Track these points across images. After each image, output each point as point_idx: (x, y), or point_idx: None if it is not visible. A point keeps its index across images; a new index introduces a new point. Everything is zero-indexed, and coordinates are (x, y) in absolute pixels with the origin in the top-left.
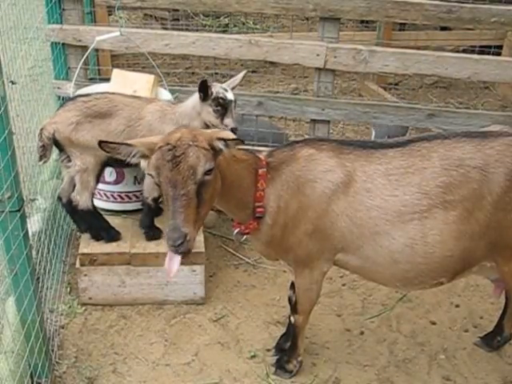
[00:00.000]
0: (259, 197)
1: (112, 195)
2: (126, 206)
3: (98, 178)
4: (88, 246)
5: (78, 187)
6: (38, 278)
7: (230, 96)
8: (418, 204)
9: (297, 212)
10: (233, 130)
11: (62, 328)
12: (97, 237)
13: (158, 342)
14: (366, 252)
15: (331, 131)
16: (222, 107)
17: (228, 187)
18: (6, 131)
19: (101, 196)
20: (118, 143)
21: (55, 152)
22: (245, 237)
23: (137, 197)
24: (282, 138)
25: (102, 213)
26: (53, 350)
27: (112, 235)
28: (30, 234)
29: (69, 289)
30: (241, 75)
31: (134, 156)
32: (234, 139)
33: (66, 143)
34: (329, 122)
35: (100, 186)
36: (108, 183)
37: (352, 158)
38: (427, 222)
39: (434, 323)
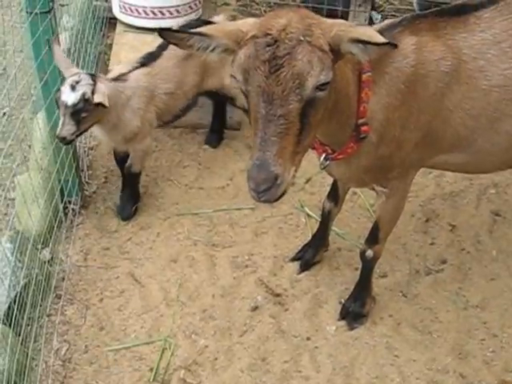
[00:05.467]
0: (363, 111)
1: (144, 11)
2: (160, 22)
3: None
4: None
5: None
6: None
7: (64, 97)
8: None
9: (407, 120)
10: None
11: (91, 149)
12: None
13: (192, 166)
14: (479, 145)
15: None
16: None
17: (331, 100)
18: None
19: (132, 12)
20: (187, 32)
21: None
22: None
23: (170, 13)
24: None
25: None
26: (82, 170)
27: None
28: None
29: None
30: None
31: (213, 51)
32: (385, 43)
33: None
34: None
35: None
36: None
37: (451, 33)
38: None
39: None
